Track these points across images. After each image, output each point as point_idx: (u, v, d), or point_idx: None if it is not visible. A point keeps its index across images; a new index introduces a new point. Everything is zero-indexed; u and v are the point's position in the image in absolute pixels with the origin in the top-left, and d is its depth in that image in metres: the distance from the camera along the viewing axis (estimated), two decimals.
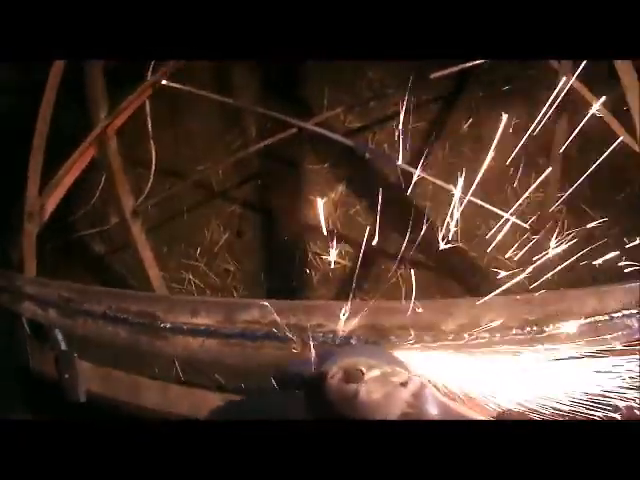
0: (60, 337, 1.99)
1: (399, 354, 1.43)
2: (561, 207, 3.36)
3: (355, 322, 1.51)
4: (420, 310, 1.51)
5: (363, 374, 1.31)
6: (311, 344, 1.49)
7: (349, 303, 1.51)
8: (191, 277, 3.56)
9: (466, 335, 1.49)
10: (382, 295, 3.26)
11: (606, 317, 1.54)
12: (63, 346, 1.98)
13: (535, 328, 1.50)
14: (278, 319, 1.55)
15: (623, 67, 2.26)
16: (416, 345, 1.48)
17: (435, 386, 1.38)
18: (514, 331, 1.49)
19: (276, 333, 1.54)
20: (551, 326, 1.50)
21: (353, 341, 1.50)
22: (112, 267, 3.75)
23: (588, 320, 1.52)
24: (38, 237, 2.87)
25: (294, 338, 1.53)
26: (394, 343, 1.50)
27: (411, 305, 1.51)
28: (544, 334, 1.50)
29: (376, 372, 1.32)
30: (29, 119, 3.09)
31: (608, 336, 1.51)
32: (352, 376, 1.32)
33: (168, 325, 1.66)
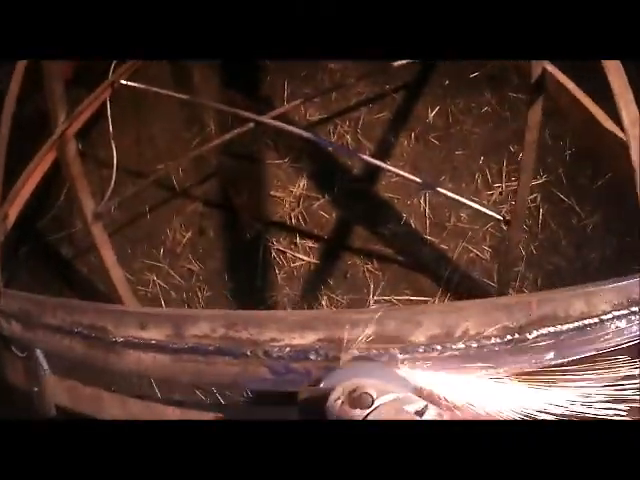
0: (41, 358, 1.88)
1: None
2: (535, 195, 3.28)
3: (312, 335, 1.34)
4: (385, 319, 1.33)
5: (373, 400, 1.15)
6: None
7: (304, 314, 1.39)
8: (155, 278, 3.45)
9: (439, 347, 1.32)
10: (349, 292, 3.27)
11: (596, 320, 1.35)
12: (45, 367, 1.87)
13: (517, 336, 1.32)
14: (229, 333, 1.43)
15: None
16: (383, 359, 1.32)
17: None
18: (493, 340, 1.31)
19: (228, 348, 1.43)
20: (535, 333, 1.32)
21: (311, 356, 1.33)
22: (79, 270, 3.63)
23: (576, 324, 1.34)
24: (4, 244, 2.64)
25: (248, 353, 1.40)
26: (357, 357, 1.32)
27: (376, 316, 1.33)
28: (527, 342, 1.32)
29: (388, 398, 1.16)
30: None
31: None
32: (360, 401, 1.16)
33: (119, 339, 1.54)
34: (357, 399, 1.16)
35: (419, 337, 1.32)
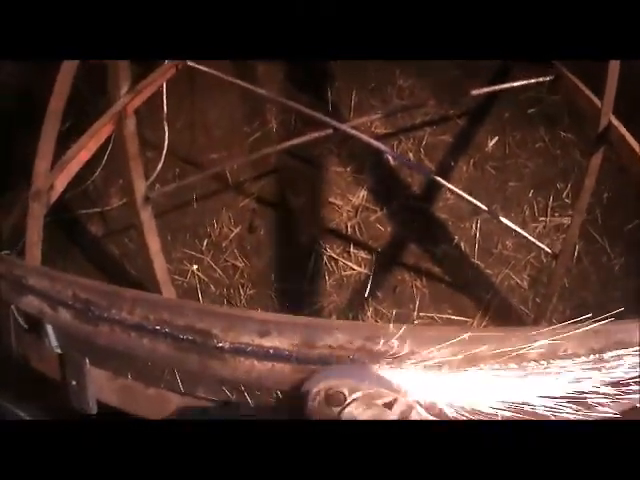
0: (51, 334, 1.65)
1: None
2: None
3: (448, 351, 1.33)
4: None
5: (345, 397, 1.25)
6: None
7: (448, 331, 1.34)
8: (195, 270, 3.34)
9: (544, 362, 1.34)
10: (395, 305, 3.26)
11: None
12: (54, 345, 1.63)
13: (597, 356, 1.36)
14: (367, 345, 1.32)
15: None
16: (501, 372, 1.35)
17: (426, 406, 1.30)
18: (582, 359, 1.35)
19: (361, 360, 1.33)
20: (609, 353, 1.35)
21: (445, 370, 1.34)
22: (109, 250, 3.47)
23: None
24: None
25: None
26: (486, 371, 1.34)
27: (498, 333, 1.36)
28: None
29: (358, 394, 1.25)
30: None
31: None
32: (334, 399, 1.25)
33: (227, 345, 1.38)
34: (332, 398, 1.25)
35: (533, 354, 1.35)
